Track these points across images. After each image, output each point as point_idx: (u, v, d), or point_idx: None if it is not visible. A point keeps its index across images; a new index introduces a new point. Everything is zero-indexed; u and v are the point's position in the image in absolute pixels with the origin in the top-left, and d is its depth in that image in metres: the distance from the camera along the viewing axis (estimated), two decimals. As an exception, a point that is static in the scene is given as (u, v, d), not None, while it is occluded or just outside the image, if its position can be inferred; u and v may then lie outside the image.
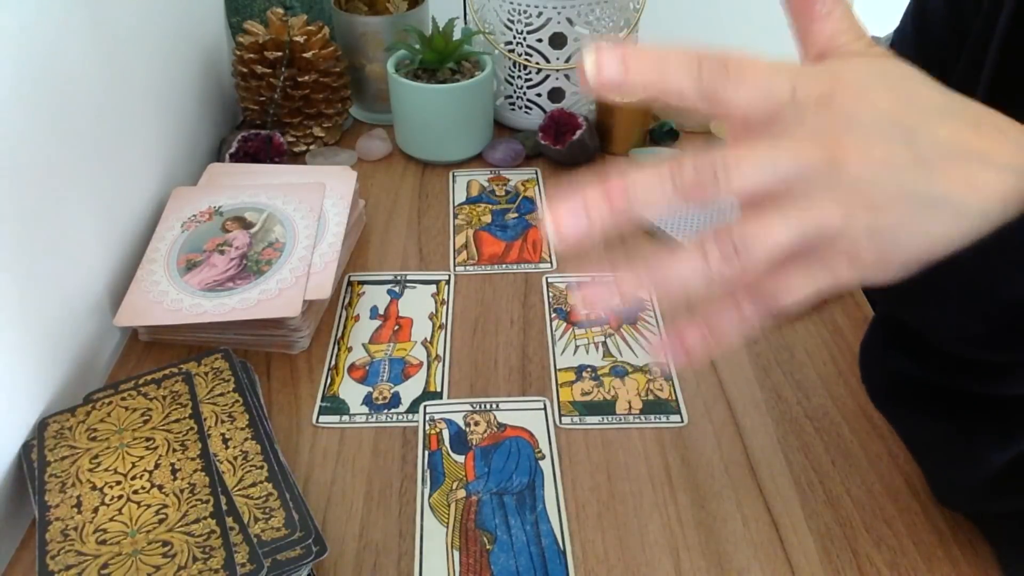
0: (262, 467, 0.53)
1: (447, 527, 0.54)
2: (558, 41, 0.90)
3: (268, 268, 0.68)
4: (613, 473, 0.57)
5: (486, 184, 0.89)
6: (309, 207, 0.74)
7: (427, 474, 0.57)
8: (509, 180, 0.90)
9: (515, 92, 0.95)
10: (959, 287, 0.37)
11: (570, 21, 0.89)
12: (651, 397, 0.63)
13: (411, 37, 0.89)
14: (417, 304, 0.73)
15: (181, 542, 0.48)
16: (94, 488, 0.51)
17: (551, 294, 0.73)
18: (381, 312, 0.72)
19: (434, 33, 0.88)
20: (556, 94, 0.94)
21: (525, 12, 0.88)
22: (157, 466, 0.53)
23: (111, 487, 0.51)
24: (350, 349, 0.68)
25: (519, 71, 0.93)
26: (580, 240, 0.33)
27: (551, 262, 0.78)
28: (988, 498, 0.49)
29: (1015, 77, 0.50)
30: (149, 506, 0.50)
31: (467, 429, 0.61)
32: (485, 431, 0.60)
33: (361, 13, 0.96)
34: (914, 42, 0.74)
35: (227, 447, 0.54)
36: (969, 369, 0.43)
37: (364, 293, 0.74)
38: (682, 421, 0.61)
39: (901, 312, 0.44)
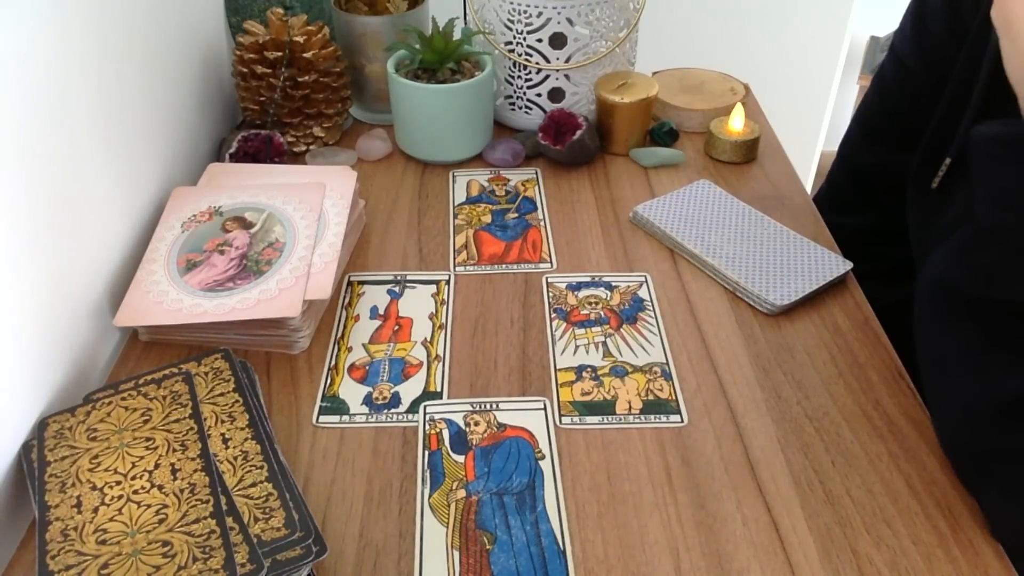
0: (262, 467, 0.53)
1: (447, 527, 0.54)
2: (558, 41, 0.90)
3: (268, 268, 0.68)
4: (613, 473, 0.57)
5: (486, 184, 0.89)
6: (309, 207, 0.74)
7: (427, 474, 0.57)
8: (509, 180, 0.90)
9: (515, 92, 0.95)
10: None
11: (570, 21, 0.89)
12: (651, 397, 0.63)
13: (411, 37, 0.89)
14: (417, 304, 0.73)
15: (181, 542, 0.48)
16: (94, 488, 0.51)
17: (551, 294, 0.73)
18: (381, 312, 0.72)
19: (434, 33, 0.88)
20: (556, 94, 0.94)
21: (525, 12, 0.88)
22: (157, 466, 0.53)
23: (111, 487, 0.51)
24: (350, 349, 0.68)
25: (519, 71, 0.93)
26: None
27: (551, 262, 0.77)
28: (991, 429, 0.52)
29: None
30: (149, 506, 0.50)
31: (467, 429, 0.61)
32: (485, 431, 0.60)
33: (361, 13, 0.96)
34: (913, 41, 0.74)
35: (227, 447, 0.54)
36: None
37: (364, 293, 0.74)
38: (682, 421, 0.61)
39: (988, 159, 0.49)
